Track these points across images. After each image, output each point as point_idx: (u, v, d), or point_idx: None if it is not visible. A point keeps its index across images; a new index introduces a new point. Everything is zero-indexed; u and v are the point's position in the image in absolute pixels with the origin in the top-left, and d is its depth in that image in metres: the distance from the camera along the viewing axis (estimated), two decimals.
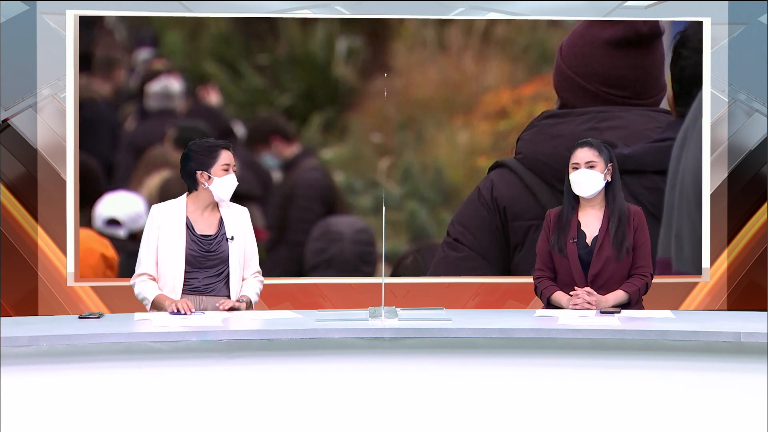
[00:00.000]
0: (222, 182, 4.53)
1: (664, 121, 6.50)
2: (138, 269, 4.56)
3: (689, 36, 6.52)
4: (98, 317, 4.26)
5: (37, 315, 6.17)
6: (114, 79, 6.42)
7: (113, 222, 6.30)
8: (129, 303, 4.61)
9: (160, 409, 3.84)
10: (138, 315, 4.34)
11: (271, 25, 6.51)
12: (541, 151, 6.42)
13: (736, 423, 3.85)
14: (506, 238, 6.47)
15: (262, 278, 4.68)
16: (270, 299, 6.31)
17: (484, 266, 6.47)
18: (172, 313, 4.32)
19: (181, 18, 6.46)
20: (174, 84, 6.43)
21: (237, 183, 4.57)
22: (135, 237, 6.16)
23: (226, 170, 4.54)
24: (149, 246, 4.54)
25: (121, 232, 6.31)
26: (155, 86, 6.41)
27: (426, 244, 6.55)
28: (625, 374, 3.90)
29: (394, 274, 6.46)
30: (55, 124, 6.38)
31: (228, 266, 4.55)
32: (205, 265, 4.53)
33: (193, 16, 6.45)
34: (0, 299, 6.33)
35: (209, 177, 4.52)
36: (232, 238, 4.56)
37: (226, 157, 4.54)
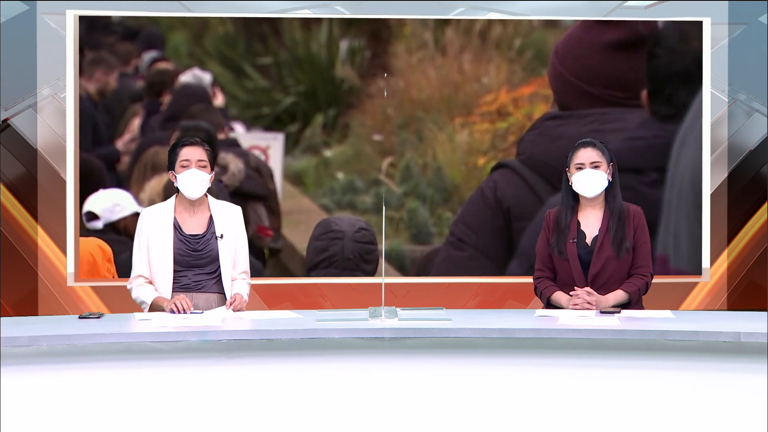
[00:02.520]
0: (181, 179, 4.53)
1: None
2: (133, 273, 4.58)
3: (664, 35, 6.50)
4: (98, 317, 4.27)
5: (37, 315, 6.17)
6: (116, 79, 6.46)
7: (92, 216, 6.29)
8: (129, 303, 4.62)
9: (160, 409, 3.84)
10: (138, 315, 4.35)
11: (273, 26, 6.53)
12: (544, 152, 6.42)
13: (736, 423, 3.85)
14: (509, 239, 6.48)
15: (249, 280, 4.68)
16: (270, 299, 6.32)
17: (488, 266, 6.47)
18: (172, 311, 4.33)
19: (185, 19, 6.47)
20: (201, 74, 6.46)
21: (203, 178, 4.53)
22: (127, 233, 6.21)
23: (185, 166, 4.53)
24: (140, 249, 4.56)
25: (99, 225, 6.31)
26: (186, 77, 6.43)
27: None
28: (625, 374, 3.90)
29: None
30: (55, 124, 6.39)
31: (219, 264, 4.56)
32: (195, 264, 4.54)
33: (194, 16, 6.46)
34: (0, 299, 6.33)
35: (175, 176, 4.54)
36: (221, 236, 4.56)
37: (185, 153, 4.54)
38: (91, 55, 6.36)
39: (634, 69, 6.51)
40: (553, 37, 6.56)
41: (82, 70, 6.35)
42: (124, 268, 6.30)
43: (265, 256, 6.45)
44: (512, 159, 6.50)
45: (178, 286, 4.52)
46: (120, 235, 6.28)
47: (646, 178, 6.49)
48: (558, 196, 6.31)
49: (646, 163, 6.49)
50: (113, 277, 6.31)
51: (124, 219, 6.26)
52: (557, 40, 6.53)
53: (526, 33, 6.59)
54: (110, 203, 6.28)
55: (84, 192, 6.33)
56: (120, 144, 6.42)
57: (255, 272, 6.01)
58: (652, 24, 6.50)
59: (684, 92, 6.50)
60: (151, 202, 6.19)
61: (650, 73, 6.48)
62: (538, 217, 6.41)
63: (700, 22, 6.53)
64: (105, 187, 6.36)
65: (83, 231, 6.33)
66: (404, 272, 6.54)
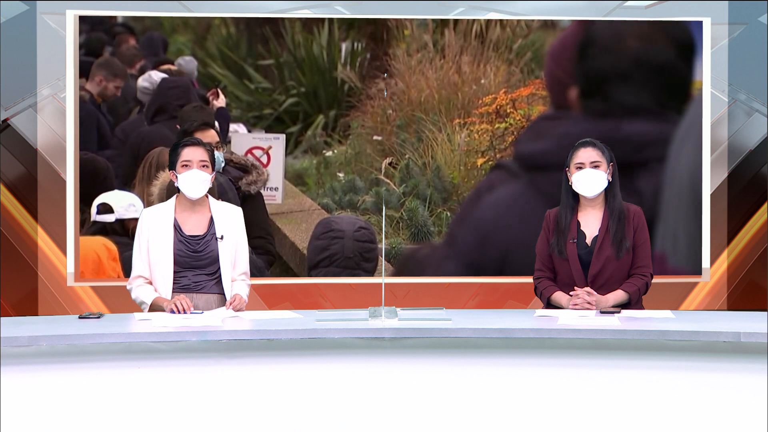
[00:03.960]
0: (182, 179, 4.52)
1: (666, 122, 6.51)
2: (132, 273, 4.57)
3: (596, 34, 6.49)
4: (98, 317, 4.26)
5: (37, 315, 6.17)
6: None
7: (105, 209, 6.28)
8: (129, 303, 4.62)
9: (160, 409, 3.84)
10: (138, 315, 4.35)
11: (275, 28, 6.55)
12: (539, 152, 6.43)
13: (736, 423, 3.85)
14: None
15: (249, 281, 4.67)
16: (270, 299, 6.32)
17: (444, 267, 6.49)
18: (172, 311, 4.33)
19: (188, 22, 6.49)
20: (156, 77, 6.46)
21: (204, 178, 4.51)
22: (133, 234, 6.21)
23: (186, 166, 4.52)
24: (141, 249, 4.55)
25: (111, 218, 6.30)
26: (142, 81, 6.44)
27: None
28: (625, 374, 3.90)
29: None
30: (55, 124, 6.39)
31: (219, 266, 4.55)
32: (195, 265, 4.53)
33: (195, 16, 6.47)
34: (0, 299, 6.33)
35: (176, 176, 4.53)
36: (221, 238, 4.55)
37: (186, 153, 4.53)
38: (101, 59, 6.38)
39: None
40: (551, 39, 6.57)
41: (86, 72, 6.37)
42: (127, 268, 6.31)
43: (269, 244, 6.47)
44: (509, 159, 6.51)
45: (178, 287, 4.52)
46: (126, 235, 6.28)
47: None
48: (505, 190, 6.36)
49: None
50: (118, 276, 6.31)
51: (134, 220, 6.26)
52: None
53: (524, 35, 6.60)
54: (126, 203, 6.29)
55: (89, 191, 6.33)
56: None
57: (257, 271, 6.02)
58: (587, 23, 6.50)
59: (621, 91, 6.45)
60: (162, 193, 6.19)
61: (582, 71, 6.45)
62: (474, 215, 6.44)
63: (700, 22, 6.54)
64: (111, 186, 6.36)
65: (87, 230, 6.33)
66: (395, 269, 6.54)
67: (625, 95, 6.43)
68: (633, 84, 6.44)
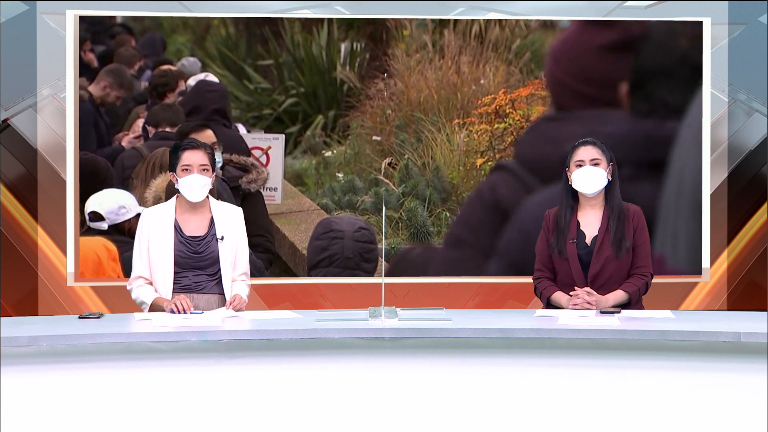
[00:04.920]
0: (183, 183, 4.52)
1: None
2: (133, 273, 4.57)
3: (653, 31, 6.48)
4: (98, 317, 4.27)
5: (37, 315, 6.16)
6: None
7: (96, 217, 6.28)
8: (129, 303, 4.62)
9: (160, 409, 3.84)
10: (138, 315, 4.35)
11: (274, 28, 6.55)
12: (540, 153, 6.44)
13: (736, 423, 3.85)
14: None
15: (249, 281, 4.67)
16: (270, 299, 6.32)
17: (486, 266, 6.48)
18: (172, 312, 4.33)
19: (187, 22, 6.49)
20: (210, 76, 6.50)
21: (204, 183, 4.51)
22: (131, 234, 6.21)
23: (186, 170, 4.51)
24: (141, 249, 4.55)
25: (104, 226, 6.30)
26: (192, 81, 6.46)
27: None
28: (625, 374, 3.90)
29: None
30: (55, 124, 6.39)
31: (219, 266, 4.55)
32: (195, 266, 4.53)
33: (195, 16, 6.47)
34: (0, 299, 6.33)
35: (176, 178, 4.53)
36: (222, 238, 4.55)
37: (186, 157, 4.52)
38: (112, 66, 6.39)
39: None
40: (551, 39, 6.57)
41: (92, 74, 6.37)
42: (126, 268, 6.31)
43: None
44: (510, 160, 6.52)
45: (179, 287, 4.52)
46: (124, 235, 6.28)
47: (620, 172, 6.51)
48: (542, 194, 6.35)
49: (619, 157, 6.48)
50: (118, 276, 6.30)
51: (129, 220, 6.26)
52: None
53: (523, 35, 6.60)
54: (115, 205, 6.28)
55: (89, 191, 6.33)
56: (125, 142, 6.43)
57: (257, 271, 6.03)
58: (645, 23, 6.50)
59: (664, 89, 6.46)
60: (156, 200, 6.20)
61: (634, 68, 6.45)
62: (517, 216, 6.42)
63: (700, 22, 6.54)
64: (111, 186, 6.35)
65: (86, 230, 6.33)
66: (388, 269, 6.54)
67: (670, 94, 6.44)
68: (678, 83, 6.45)
